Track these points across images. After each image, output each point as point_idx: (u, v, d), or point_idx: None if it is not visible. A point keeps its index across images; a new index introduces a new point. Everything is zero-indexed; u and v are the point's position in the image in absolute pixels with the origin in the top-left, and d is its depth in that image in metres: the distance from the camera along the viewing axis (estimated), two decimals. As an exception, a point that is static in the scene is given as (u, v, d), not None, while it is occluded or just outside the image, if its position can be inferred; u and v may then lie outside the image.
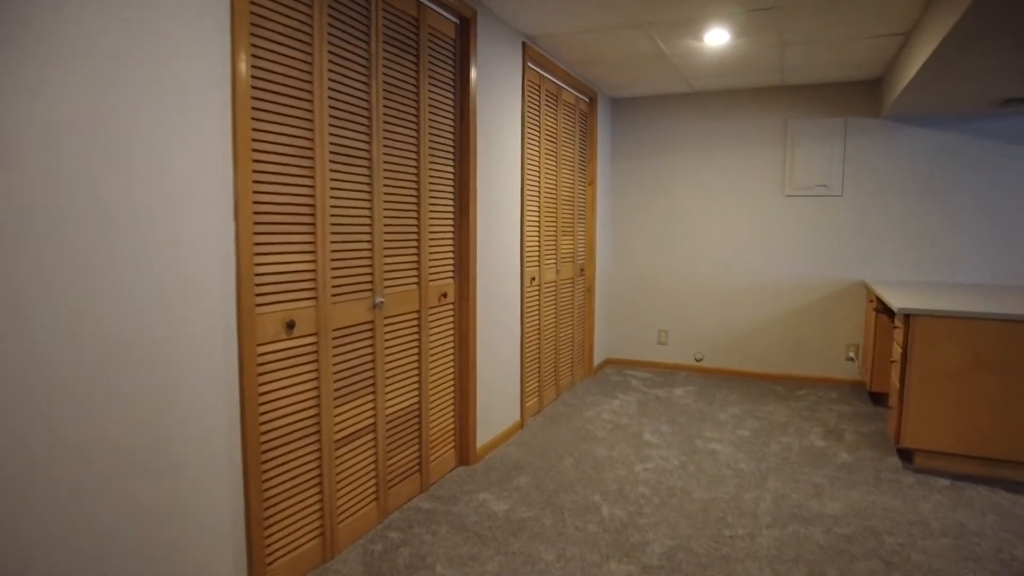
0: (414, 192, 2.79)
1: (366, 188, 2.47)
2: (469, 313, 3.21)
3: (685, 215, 5.37)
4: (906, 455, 3.52)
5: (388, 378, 2.67)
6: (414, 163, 2.78)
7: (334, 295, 2.33)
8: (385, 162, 2.58)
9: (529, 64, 3.84)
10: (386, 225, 2.61)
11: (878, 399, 4.55)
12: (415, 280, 2.83)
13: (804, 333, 5.12)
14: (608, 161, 5.52)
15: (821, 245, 5.00)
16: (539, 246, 4.13)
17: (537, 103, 4.00)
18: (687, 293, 5.43)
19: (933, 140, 4.64)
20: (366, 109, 2.45)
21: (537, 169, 4.05)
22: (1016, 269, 4.53)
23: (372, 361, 2.56)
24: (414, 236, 2.80)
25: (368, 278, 2.51)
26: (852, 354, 5.00)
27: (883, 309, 4.31)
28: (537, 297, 4.16)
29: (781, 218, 5.09)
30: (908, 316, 3.27)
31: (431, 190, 2.92)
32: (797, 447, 3.66)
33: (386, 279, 2.62)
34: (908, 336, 3.28)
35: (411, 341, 2.82)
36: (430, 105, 2.87)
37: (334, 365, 2.35)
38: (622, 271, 5.64)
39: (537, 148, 4.04)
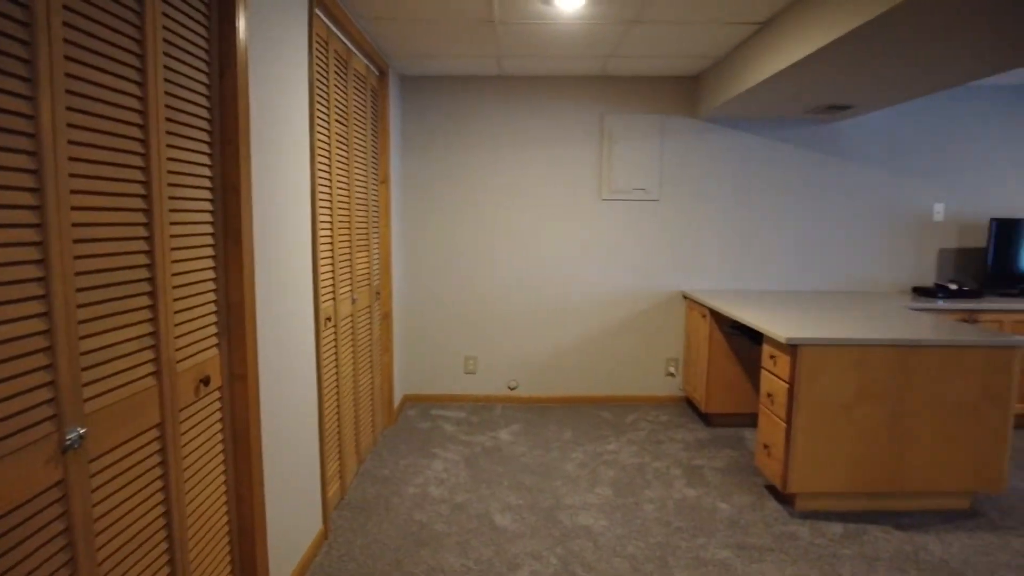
0: (141, 203, 1.47)
1: (29, 200, 1.13)
2: (249, 399, 1.95)
3: (491, 222, 4.54)
4: (778, 492, 3.14)
5: (105, 562, 1.34)
6: (139, 150, 1.45)
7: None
8: (75, 144, 1.24)
9: (318, 12, 2.62)
10: (83, 273, 1.27)
11: (706, 417, 4.24)
12: (151, 368, 1.51)
13: (624, 350, 4.66)
14: (400, 154, 4.45)
15: (639, 254, 4.57)
16: (333, 271, 2.94)
17: (325, 69, 2.79)
18: (497, 312, 4.63)
19: (747, 144, 4.45)
20: (23, 24, 1.11)
21: (328, 163, 2.85)
22: (828, 274, 4.57)
23: (69, 561, 1.22)
24: (145, 286, 1.48)
25: (45, 395, 1.17)
26: (672, 369, 4.68)
27: (728, 327, 3.97)
28: (334, 343, 2.96)
29: (598, 225, 4.54)
30: (795, 347, 2.83)
31: (174, 199, 1.61)
32: (671, 503, 3.06)
33: (90, 384, 1.29)
34: (795, 369, 2.84)
35: (150, 483, 1.50)
36: (168, 44, 1.56)
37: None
38: (420, 290, 4.63)
39: (327, 133, 2.83)
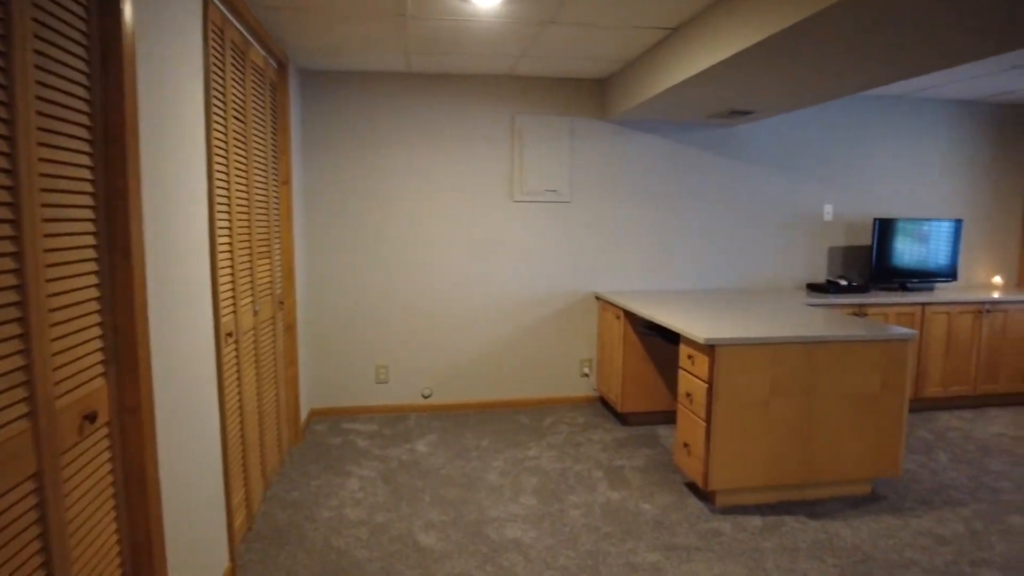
0: (7, 213, 1.22)
1: None
2: (143, 433, 1.71)
3: (401, 224, 4.37)
4: (697, 488, 3.20)
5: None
6: (4, 149, 1.21)
7: None
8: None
9: (209, -7, 2.37)
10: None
11: (622, 417, 4.29)
12: (24, 409, 1.27)
13: (539, 352, 4.63)
14: (301, 153, 4.18)
15: (552, 256, 4.55)
16: (234, 282, 2.68)
17: (222, 61, 2.53)
18: (408, 318, 4.46)
19: (654, 147, 4.54)
20: None
21: (226, 162, 2.60)
22: (731, 273, 4.74)
23: (-85, 660, 0.98)
24: (14, 312, 1.24)
25: None
26: (587, 370, 4.70)
27: (642, 328, 4.02)
28: (236, 360, 2.71)
29: (510, 227, 4.48)
30: (713, 347, 2.89)
31: (48, 207, 1.37)
32: (597, 508, 3.04)
33: (-57, 436, 1.05)
34: (713, 368, 2.90)
35: (26, 545, 1.26)
36: (41, 25, 1.31)
37: None
38: (326, 297, 4.38)
39: (224, 130, 2.58)
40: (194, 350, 2.13)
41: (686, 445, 3.13)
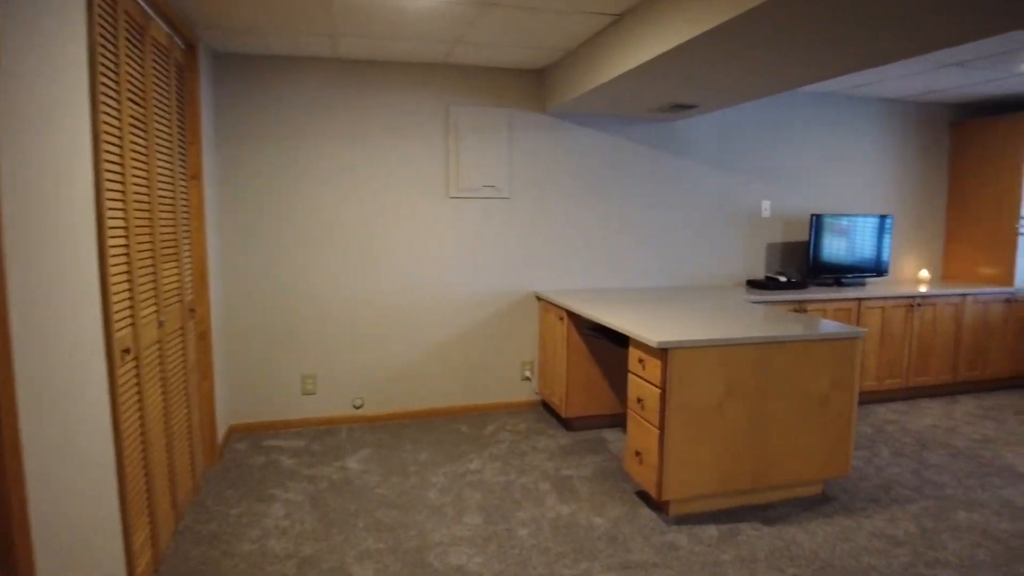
0: None
1: None
2: (6, 484, 1.38)
3: (327, 222, 4.05)
4: (648, 496, 3.06)
5: None
6: None
7: None
8: None
9: (92, -49, 2.01)
10: None
11: (566, 422, 4.12)
12: None
13: (478, 356, 4.41)
14: (214, 145, 3.79)
15: (491, 255, 4.33)
16: (132, 290, 2.32)
17: (114, 35, 2.18)
18: (338, 322, 4.14)
19: (595, 141, 4.39)
20: None
21: (120, 153, 2.24)
22: (673, 270, 4.65)
23: None
24: None
25: None
26: (528, 373, 4.51)
27: (587, 329, 3.85)
28: (136, 379, 2.35)
29: (447, 225, 4.23)
30: (665, 350, 2.74)
31: None
32: (546, 525, 2.85)
33: None
34: (666, 373, 2.76)
35: None
36: None
37: None
38: (245, 303, 4.00)
39: (118, 114, 2.22)
40: (79, 373, 1.79)
41: (638, 453, 2.98)
